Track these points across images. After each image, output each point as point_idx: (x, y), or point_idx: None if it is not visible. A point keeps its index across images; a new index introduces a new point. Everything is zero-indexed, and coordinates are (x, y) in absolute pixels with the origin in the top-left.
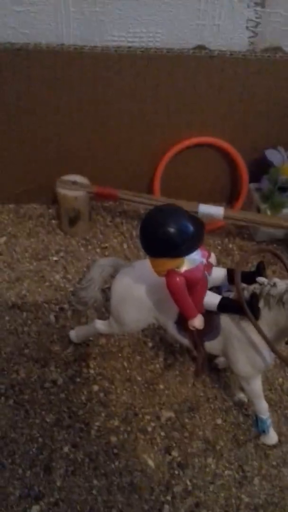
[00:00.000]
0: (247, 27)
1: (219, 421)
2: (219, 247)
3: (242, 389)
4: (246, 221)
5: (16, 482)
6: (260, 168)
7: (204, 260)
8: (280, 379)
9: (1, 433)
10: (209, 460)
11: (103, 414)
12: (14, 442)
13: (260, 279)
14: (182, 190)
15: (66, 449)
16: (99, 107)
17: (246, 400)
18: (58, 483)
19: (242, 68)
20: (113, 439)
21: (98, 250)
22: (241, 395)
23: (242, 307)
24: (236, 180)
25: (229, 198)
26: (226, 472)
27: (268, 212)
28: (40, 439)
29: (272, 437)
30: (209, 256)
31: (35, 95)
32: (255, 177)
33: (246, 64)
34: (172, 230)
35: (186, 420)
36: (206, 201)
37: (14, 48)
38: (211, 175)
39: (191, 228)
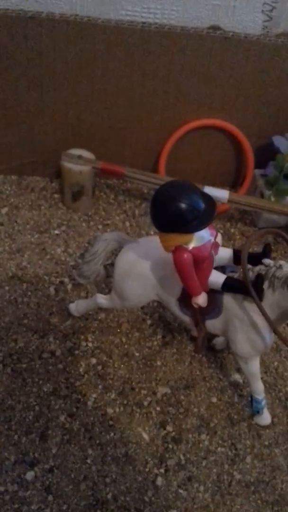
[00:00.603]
0: (262, 11)
1: (214, 400)
2: (221, 231)
3: (239, 370)
4: (250, 206)
5: (11, 448)
6: (266, 154)
7: (212, 239)
8: (276, 363)
9: None
10: (203, 436)
11: (100, 387)
12: (10, 409)
13: (266, 260)
14: (187, 171)
15: (62, 418)
16: (109, 81)
17: (241, 381)
18: (54, 451)
19: (255, 51)
20: (110, 411)
21: (100, 226)
22: (237, 376)
23: (247, 287)
24: (241, 165)
25: (233, 183)
26: (219, 449)
27: (272, 199)
28: (36, 407)
29: (265, 418)
30: (216, 235)
31: (45, 66)
32: (260, 163)
33: (259, 48)
34: (184, 205)
35: (182, 397)
36: (210, 184)
37: (27, 16)
38: (217, 158)
39: (202, 204)
